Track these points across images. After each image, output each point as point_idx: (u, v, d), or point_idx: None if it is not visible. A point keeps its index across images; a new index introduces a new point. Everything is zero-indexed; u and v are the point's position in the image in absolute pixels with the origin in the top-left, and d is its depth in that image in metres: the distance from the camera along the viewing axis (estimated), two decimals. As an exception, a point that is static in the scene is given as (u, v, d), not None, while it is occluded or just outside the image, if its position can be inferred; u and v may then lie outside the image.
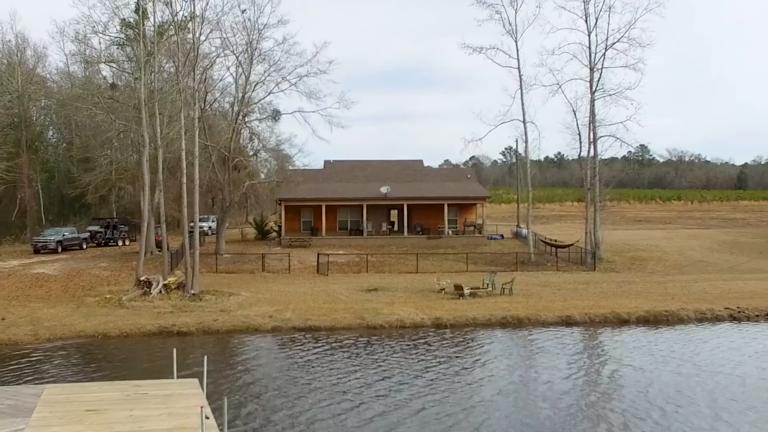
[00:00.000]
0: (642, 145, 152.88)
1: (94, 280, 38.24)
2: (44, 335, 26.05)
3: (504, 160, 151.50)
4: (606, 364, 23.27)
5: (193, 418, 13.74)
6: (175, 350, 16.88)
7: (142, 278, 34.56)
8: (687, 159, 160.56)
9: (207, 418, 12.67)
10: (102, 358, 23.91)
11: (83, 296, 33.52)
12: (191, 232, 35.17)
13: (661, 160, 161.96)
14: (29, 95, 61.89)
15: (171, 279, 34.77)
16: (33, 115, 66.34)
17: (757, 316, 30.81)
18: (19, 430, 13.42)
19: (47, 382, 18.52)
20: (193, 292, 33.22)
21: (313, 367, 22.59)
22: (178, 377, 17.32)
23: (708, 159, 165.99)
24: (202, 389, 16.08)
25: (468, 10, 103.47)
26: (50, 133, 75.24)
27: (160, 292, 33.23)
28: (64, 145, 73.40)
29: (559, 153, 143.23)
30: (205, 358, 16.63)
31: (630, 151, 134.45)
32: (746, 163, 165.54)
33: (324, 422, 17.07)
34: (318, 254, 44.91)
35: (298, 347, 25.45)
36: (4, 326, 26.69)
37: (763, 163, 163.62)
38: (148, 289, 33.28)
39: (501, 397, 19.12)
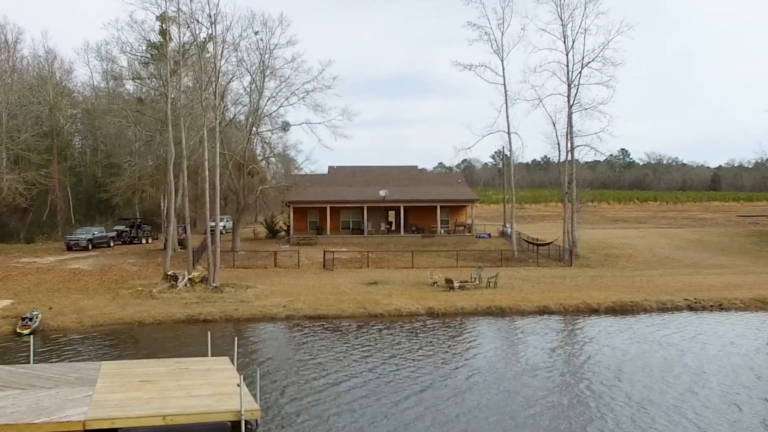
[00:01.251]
0: (622, 149, 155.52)
1: (125, 274, 40.17)
2: (88, 322, 28.10)
3: (494, 162, 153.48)
4: (573, 345, 25.49)
5: (229, 387, 15.99)
6: (209, 333, 19.04)
7: (169, 273, 36.45)
8: (665, 162, 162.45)
9: (238, 386, 14.87)
10: (141, 341, 25.97)
11: (117, 288, 35.31)
12: (212, 231, 36.90)
13: (641, 163, 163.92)
14: (59, 107, 63.83)
15: (195, 273, 36.60)
16: (62, 125, 68.24)
17: (711, 306, 32.80)
18: (88, 395, 15.68)
19: (102, 359, 20.65)
20: (215, 285, 35.14)
21: (323, 346, 24.72)
22: (210, 356, 19.49)
23: (685, 162, 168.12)
24: (233, 365, 18.30)
25: (461, 27, 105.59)
26: (76, 139, 77.24)
27: (186, 285, 35.09)
28: (89, 151, 75.39)
29: (546, 156, 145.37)
30: (235, 339, 18.83)
31: (612, 155, 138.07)
32: (720, 166, 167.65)
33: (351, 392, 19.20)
34: (324, 251, 46.56)
35: (310, 332, 27.58)
36: (52, 314, 28.65)
37: (735, 165, 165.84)
38: (175, 283, 35.12)
39: (482, 373, 21.31)
